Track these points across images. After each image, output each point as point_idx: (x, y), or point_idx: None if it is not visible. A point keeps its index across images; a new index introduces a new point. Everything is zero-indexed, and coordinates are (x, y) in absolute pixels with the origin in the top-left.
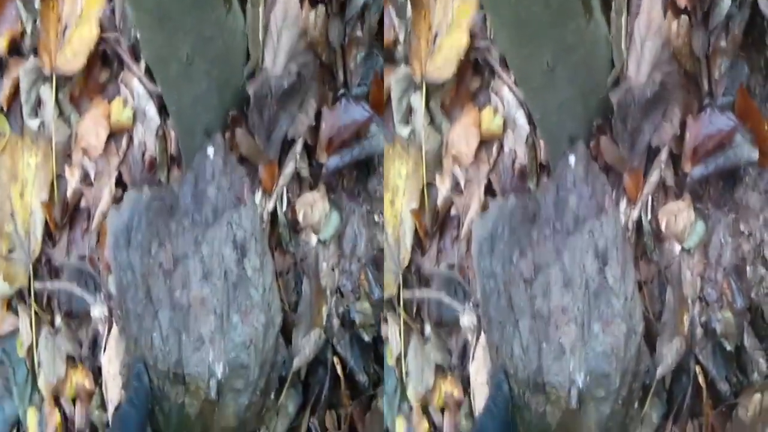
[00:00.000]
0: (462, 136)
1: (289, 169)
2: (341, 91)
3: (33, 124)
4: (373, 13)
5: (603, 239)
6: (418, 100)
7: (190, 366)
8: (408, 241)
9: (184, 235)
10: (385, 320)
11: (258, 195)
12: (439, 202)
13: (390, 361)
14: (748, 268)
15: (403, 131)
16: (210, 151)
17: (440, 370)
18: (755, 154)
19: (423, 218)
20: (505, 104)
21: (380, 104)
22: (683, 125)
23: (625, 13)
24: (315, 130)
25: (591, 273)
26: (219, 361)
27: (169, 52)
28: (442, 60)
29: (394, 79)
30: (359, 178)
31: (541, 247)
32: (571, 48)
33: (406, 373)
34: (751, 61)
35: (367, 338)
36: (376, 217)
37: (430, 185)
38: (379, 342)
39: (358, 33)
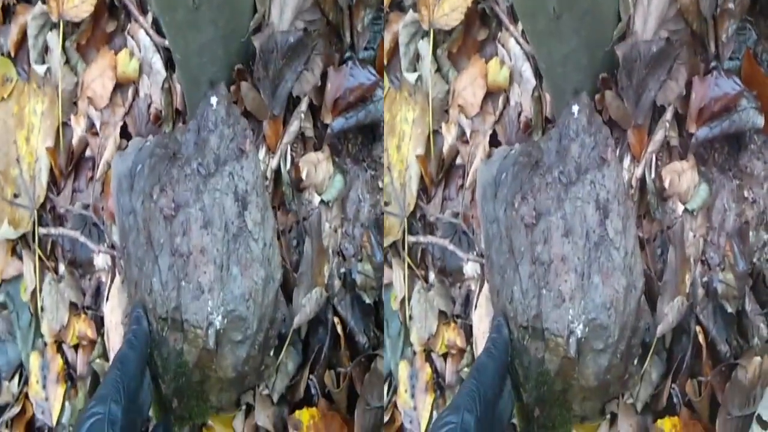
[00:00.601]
0: (468, 86)
1: (293, 127)
2: (348, 53)
3: (40, 69)
4: None
5: (604, 191)
6: (425, 47)
7: (189, 314)
8: (413, 186)
9: (185, 183)
10: (389, 265)
11: (262, 151)
12: (445, 149)
13: (394, 304)
14: (750, 233)
15: (410, 77)
16: (213, 100)
17: (443, 317)
18: (761, 121)
19: (428, 165)
20: (512, 57)
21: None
22: (689, 85)
23: None
24: (320, 90)
25: (592, 224)
26: (217, 311)
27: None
28: (450, 7)
29: (402, 25)
30: (364, 143)
31: (542, 194)
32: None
33: (410, 317)
34: (758, 27)
35: (368, 300)
36: (380, 183)
37: (436, 132)
38: (379, 305)
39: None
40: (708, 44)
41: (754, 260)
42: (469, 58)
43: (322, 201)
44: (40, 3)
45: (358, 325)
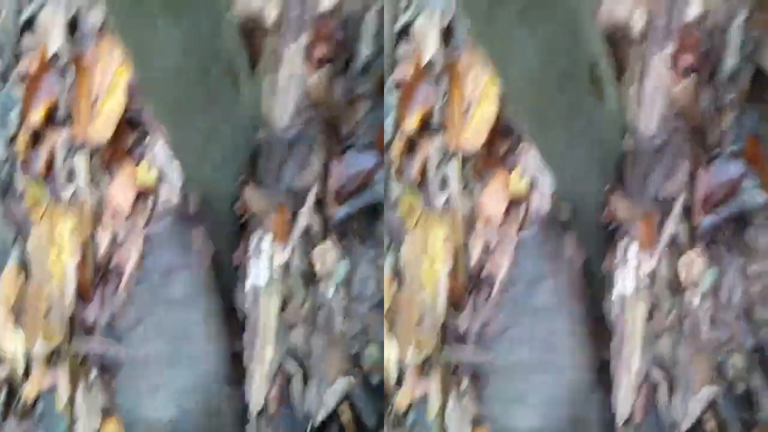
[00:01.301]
0: (492, 198)
1: (300, 224)
2: (348, 142)
3: (67, 191)
4: (376, 69)
5: (557, 296)
6: (452, 168)
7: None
8: (444, 301)
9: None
10: (426, 376)
11: (266, 243)
12: (473, 262)
13: (430, 416)
14: (757, 308)
15: (440, 198)
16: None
17: (477, 422)
18: (763, 198)
19: (458, 279)
20: (531, 166)
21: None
22: (693, 178)
23: (636, 83)
24: (323, 182)
25: (543, 330)
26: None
27: (184, 141)
28: (474, 130)
29: (431, 149)
30: (367, 224)
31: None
32: (585, 130)
33: (447, 428)
34: (759, 110)
35: (374, 381)
36: (380, 261)
37: (464, 246)
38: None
39: (362, 90)
40: (710, 135)
41: (761, 335)
42: (493, 171)
43: (330, 289)
44: (66, 128)
45: (367, 406)
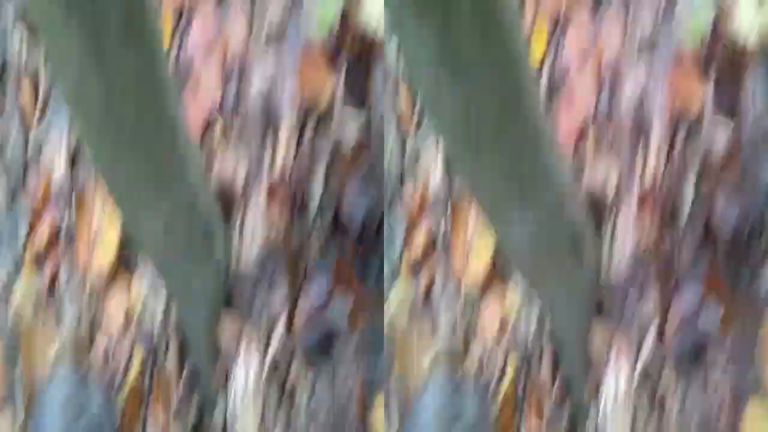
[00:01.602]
0: (489, 316)
1: (273, 348)
2: (307, 277)
3: (66, 312)
4: (326, 214)
5: None
6: (453, 292)
7: None
8: None
9: None
10: None
11: (242, 362)
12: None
13: None
14: (712, 424)
15: (441, 316)
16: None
17: None
18: (719, 314)
19: None
20: (521, 290)
21: (344, 281)
22: (663, 307)
23: (609, 231)
24: (290, 311)
25: None
26: None
27: (165, 284)
28: (474, 263)
29: (435, 274)
30: (321, 350)
31: None
32: (568, 281)
33: None
34: (710, 253)
35: None
36: (336, 389)
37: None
38: None
39: (316, 233)
40: (673, 271)
41: None
42: (490, 291)
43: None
44: (67, 255)
45: None
